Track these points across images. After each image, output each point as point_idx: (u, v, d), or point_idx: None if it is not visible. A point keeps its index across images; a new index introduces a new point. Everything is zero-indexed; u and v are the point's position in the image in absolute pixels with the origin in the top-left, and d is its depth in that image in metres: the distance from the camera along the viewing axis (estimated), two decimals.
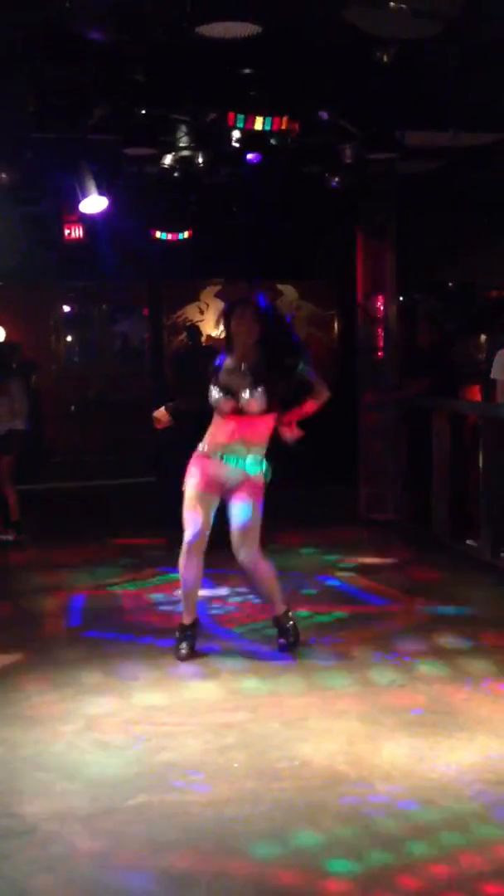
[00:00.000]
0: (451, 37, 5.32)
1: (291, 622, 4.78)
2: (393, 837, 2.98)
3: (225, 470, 4.58)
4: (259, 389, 4.51)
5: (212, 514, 4.64)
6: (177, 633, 4.75)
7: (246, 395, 4.51)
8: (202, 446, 4.65)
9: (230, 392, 4.54)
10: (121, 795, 3.28)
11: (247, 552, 4.58)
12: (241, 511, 4.57)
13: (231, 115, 6.85)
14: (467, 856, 2.87)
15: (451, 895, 2.69)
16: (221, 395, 4.55)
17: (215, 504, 4.65)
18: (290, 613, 4.81)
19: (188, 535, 4.63)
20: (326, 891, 2.73)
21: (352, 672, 4.45)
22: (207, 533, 4.65)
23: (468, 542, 6.81)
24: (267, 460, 4.63)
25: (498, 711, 3.96)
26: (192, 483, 4.62)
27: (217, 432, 4.61)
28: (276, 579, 4.73)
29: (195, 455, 4.66)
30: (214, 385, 4.59)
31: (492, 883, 2.75)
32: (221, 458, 4.57)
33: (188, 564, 4.65)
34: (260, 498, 4.60)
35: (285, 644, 4.73)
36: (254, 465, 4.57)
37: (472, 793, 3.25)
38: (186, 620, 4.74)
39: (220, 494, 4.63)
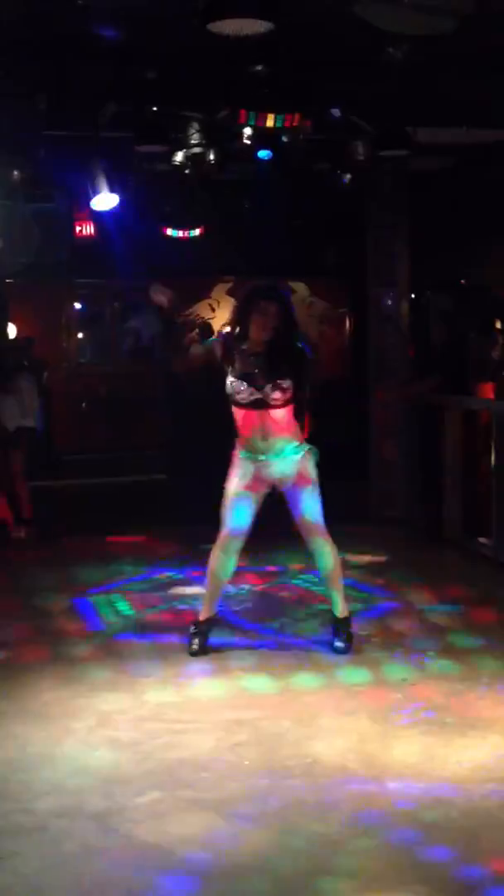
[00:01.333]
0: (463, 33, 5.31)
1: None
2: (404, 836, 2.97)
3: (265, 466, 4.51)
4: (277, 381, 4.41)
5: (251, 513, 4.55)
6: (191, 629, 4.74)
7: (266, 386, 4.41)
8: (238, 447, 4.59)
9: (248, 380, 4.43)
10: (132, 792, 3.29)
11: (324, 537, 4.57)
12: (305, 501, 4.51)
13: (242, 112, 6.85)
14: (480, 855, 2.86)
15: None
16: (239, 381, 4.43)
17: (257, 501, 4.56)
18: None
19: (224, 531, 4.57)
20: (338, 889, 2.73)
21: (363, 670, 4.44)
22: (245, 531, 4.57)
23: (480, 540, 6.79)
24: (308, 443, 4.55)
25: None
26: (233, 481, 4.56)
27: (243, 430, 4.54)
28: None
29: (235, 454, 4.60)
30: (231, 370, 4.45)
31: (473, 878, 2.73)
32: (258, 457, 4.50)
33: (219, 559, 4.60)
34: (315, 480, 4.53)
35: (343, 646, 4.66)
36: (294, 450, 4.50)
37: (484, 792, 3.24)
38: (202, 616, 4.71)
39: (264, 490, 4.57)
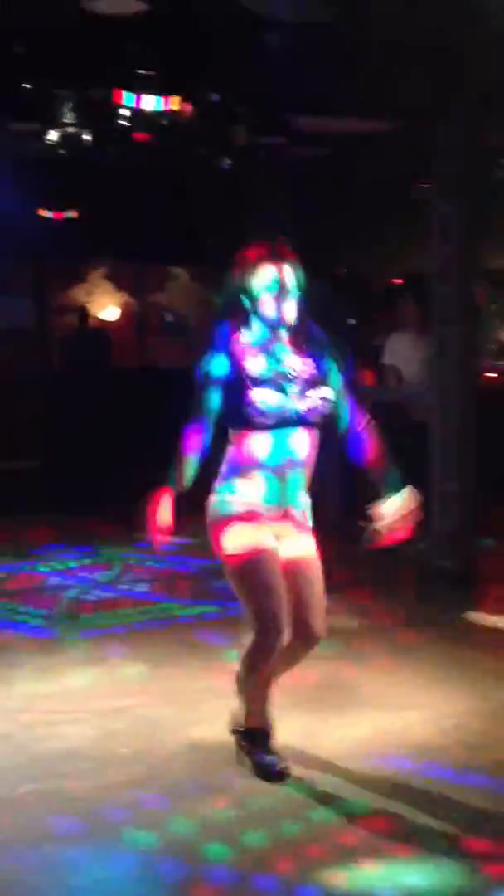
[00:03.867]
0: (340, 22, 5.36)
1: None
2: (286, 814, 2.98)
3: (272, 513, 3.09)
4: (320, 388, 3.08)
5: (283, 586, 3.08)
6: (253, 742, 3.25)
7: (303, 395, 3.05)
8: (232, 496, 3.07)
9: (275, 386, 3.03)
10: (7, 785, 3.17)
11: (322, 622, 3.19)
12: (306, 570, 3.14)
13: (119, 93, 6.76)
14: (362, 826, 2.90)
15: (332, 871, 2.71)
16: (264, 389, 3.01)
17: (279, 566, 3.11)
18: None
19: (264, 634, 3.04)
20: (224, 874, 2.71)
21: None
22: (286, 619, 3.08)
23: (360, 523, 6.89)
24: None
25: (388, 687, 4.02)
26: (244, 553, 3.03)
27: (256, 465, 3.06)
28: None
29: (222, 512, 3.07)
30: (247, 388, 3.01)
31: (369, 856, 2.77)
32: (273, 505, 3.08)
33: (271, 663, 3.12)
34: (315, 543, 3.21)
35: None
36: (302, 499, 3.17)
37: (362, 766, 3.28)
38: (261, 725, 3.27)
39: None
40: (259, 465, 3.06)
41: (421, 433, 5.65)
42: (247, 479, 3.07)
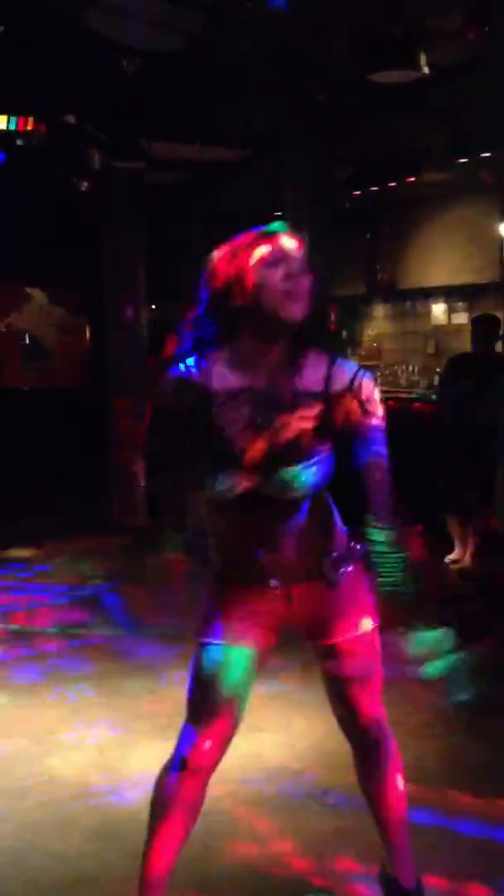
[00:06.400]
0: (195, 52, 5.47)
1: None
2: (137, 844, 2.98)
3: (276, 596, 2.28)
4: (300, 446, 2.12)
5: (243, 702, 2.38)
6: None
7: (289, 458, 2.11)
8: (216, 569, 2.32)
9: (230, 458, 2.11)
10: None
11: (378, 722, 2.41)
12: (349, 657, 2.34)
13: None
14: (223, 855, 2.93)
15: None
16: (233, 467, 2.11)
17: (254, 671, 2.37)
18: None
19: (188, 749, 2.38)
20: None
21: (103, 681, 4.40)
22: (229, 740, 2.39)
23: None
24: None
25: None
26: (210, 642, 2.34)
27: (237, 537, 2.24)
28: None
29: (210, 589, 2.34)
30: (213, 437, 2.14)
31: (231, 881, 2.81)
32: (266, 580, 2.25)
33: (175, 810, 2.40)
34: (377, 615, 2.32)
35: None
36: (340, 559, 2.27)
37: (218, 794, 3.31)
38: None
39: (274, 640, 2.39)
40: (244, 540, 2.22)
41: None
42: (229, 556, 2.29)
